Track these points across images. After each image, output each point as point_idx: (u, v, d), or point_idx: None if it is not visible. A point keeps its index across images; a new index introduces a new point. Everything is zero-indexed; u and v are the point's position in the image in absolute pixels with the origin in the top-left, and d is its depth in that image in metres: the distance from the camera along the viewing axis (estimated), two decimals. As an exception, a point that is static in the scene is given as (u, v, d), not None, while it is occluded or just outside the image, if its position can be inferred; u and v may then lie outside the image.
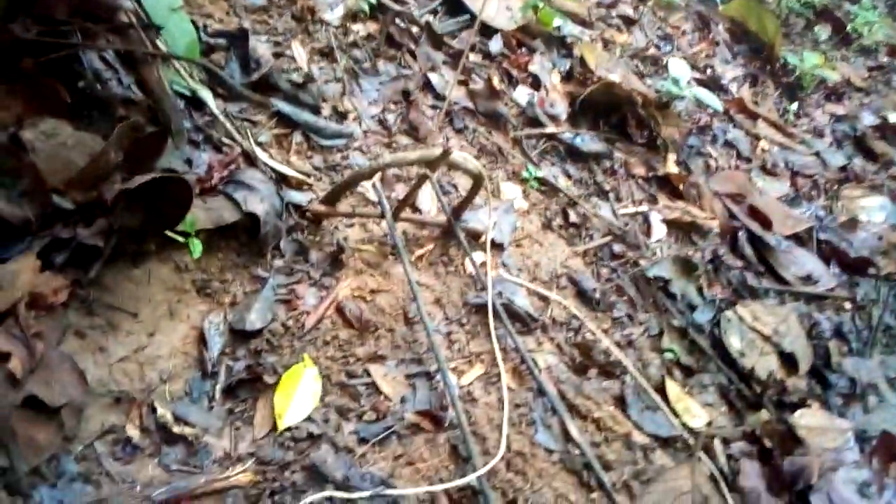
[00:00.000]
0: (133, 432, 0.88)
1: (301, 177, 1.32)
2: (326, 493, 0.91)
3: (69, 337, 0.91)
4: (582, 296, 1.41)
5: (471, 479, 0.98)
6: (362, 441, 1.00)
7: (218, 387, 0.98)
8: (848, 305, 1.89)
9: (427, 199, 1.41)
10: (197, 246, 1.04)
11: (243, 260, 1.16)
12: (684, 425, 1.26)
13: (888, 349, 1.80)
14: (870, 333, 1.81)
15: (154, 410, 0.91)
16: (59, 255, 0.93)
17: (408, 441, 1.02)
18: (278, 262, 1.18)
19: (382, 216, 1.27)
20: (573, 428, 1.13)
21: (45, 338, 0.87)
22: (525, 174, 1.61)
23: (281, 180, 1.29)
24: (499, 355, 1.17)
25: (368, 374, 1.08)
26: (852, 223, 2.26)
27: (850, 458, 1.32)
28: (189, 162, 1.20)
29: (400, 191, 1.42)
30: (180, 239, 1.04)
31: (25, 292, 0.87)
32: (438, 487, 0.97)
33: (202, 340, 1.02)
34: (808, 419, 1.38)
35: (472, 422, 1.08)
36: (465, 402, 1.10)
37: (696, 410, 1.31)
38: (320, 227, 1.27)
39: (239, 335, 1.06)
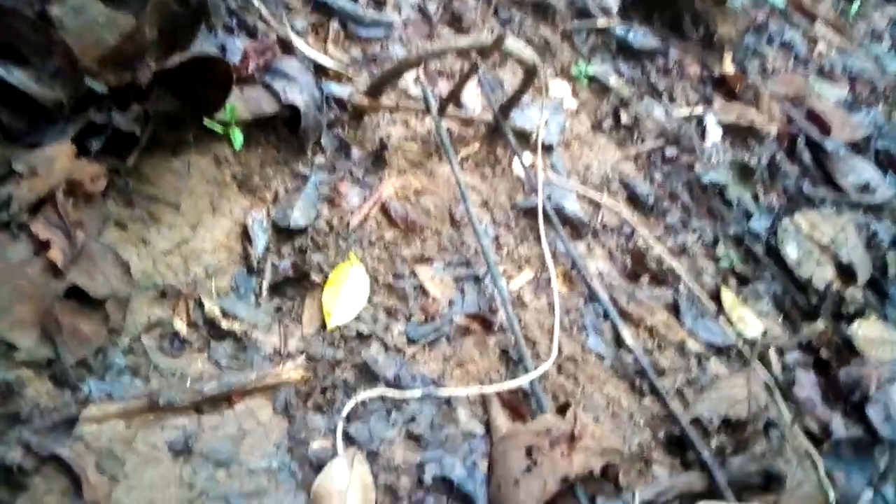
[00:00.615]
0: (180, 326, 0.86)
1: (340, 67, 1.25)
2: (378, 391, 0.89)
3: (110, 228, 0.87)
4: (634, 201, 1.34)
5: (524, 381, 0.95)
6: (411, 342, 0.96)
7: (264, 283, 0.95)
8: (906, 216, 1.80)
9: (472, 96, 1.33)
10: (238, 136, 0.98)
11: (283, 155, 1.11)
12: (739, 334, 1.22)
13: (947, 262, 1.73)
14: (929, 246, 1.72)
15: (201, 305, 0.88)
16: (94, 142, 0.88)
17: (457, 343, 0.99)
18: (319, 159, 1.13)
19: (427, 111, 1.20)
20: (626, 333, 1.09)
21: (85, 227, 0.83)
22: (575, 71, 1.52)
23: (319, 71, 1.22)
24: (549, 259, 1.12)
25: (415, 276, 1.04)
26: (914, 131, 2.13)
27: (909, 370, 1.27)
28: (223, 48, 1.12)
29: (443, 87, 1.34)
30: (219, 129, 0.99)
31: (62, 179, 0.83)
32: (491, 389, 0.94)
33: (246, 236, 0.98)
34: (865, 330, 1.33)
35: (523, 326, 1.04)
36: (515, 307, 1.06)
37: (750, 319, 1.26)
38: (361, 122, 1.20)
39: (283, 232, 1.01)
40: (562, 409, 0.96)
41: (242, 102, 1.05)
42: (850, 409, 1.19)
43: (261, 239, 0.99)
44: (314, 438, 0.84)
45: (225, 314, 0.89)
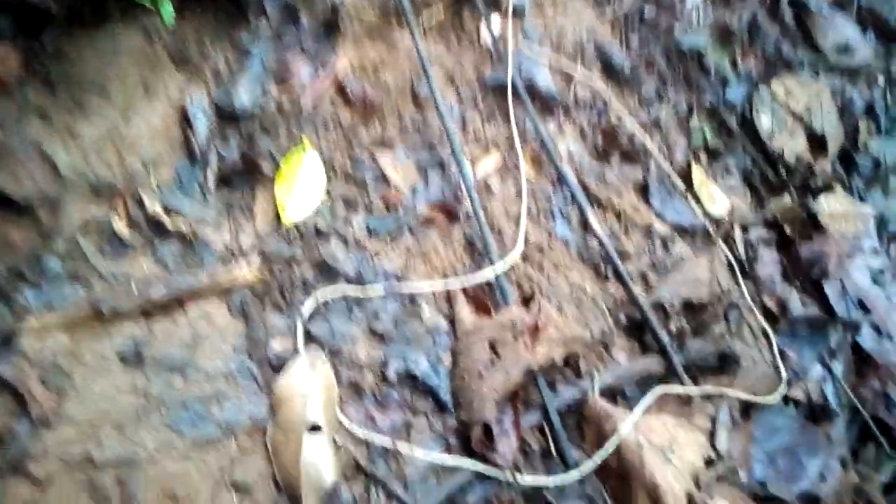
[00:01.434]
0: (120, 226, 0.80)
1: (284, -83, 1.09)
2: (339, 289, 0.86)
3: (31, 119, 0.78)
4: (609, 71, 1.26)
5: (488, 274, 0.93)
6: (373, 235, 0.92)
7: (210, 174, 0.88)
8: (881, 80, 1.75)
9: (436, -50, 1.19)
10: (168, 8, 0.87)
11: (223, 24, 0.99)
12: (706, 213, 1.20)
13: (917, 129, 1.71)
14: (900, 111, 1.69)
15: (141, 202, 0.82)
16: (2, 20, 0.77)
17: (421, 235, 0.95)
18: (264, 28, 1.01)
19: (385, -29, 1.07)
20: (593, 218, 1.06)
21: (1, 121, 0.74)
22: (548, -82, 1.36)
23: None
24: (517, 141, 1.06)
25: (376, 162, 0.97)
26: (900, -15, 2.02)
27: (868, 244, 1.28)
28: None
29: (403, -63, 1.19)
30: (146, 1, 0.87)
31: (-33, 66, 0.73)
32: (455, 284, 0.92)
33: (186, 121, 0.90)
34: (830, 204, 1.32)
35: (489, 214, 1.00)
36: (481, 194, 1.01)
37: (718, 197, 1.24)
38: (311, -17, 1.07)
39: (227, 115, 0.93)
40: (526, 301, 0.95)
41: (172, -36, 0.92)
42: (809, 286, 1.20)
43: (202, 124, 0.90)
44: (273, 339, 0.82)
45: (168, 211, 0.83)
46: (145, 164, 0.84)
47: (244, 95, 0.94)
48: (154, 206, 0.82)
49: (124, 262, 0.79)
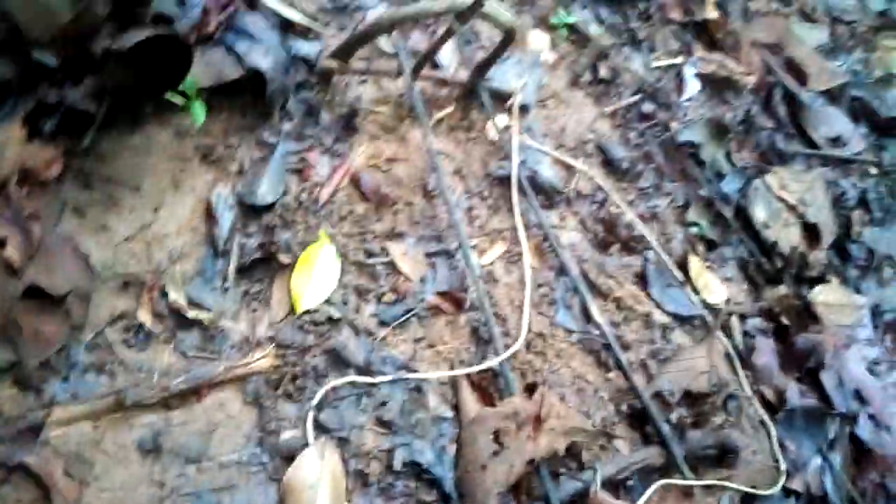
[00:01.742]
0: (145, 318, 0.84)
1: (307, 21, 1.18)
2: (348, 378, 0.89)
3: (67, 215, 0.84)
4: (609, 164, 1.32)
5: (493, 363, 0.96)
6: (382, 324, 0.96)
7: (231, 266, 0.93)
8: (874, 171, 1.81)
9: (447, 54, 1.27)
10: (199, 111, 0.93)
11: (248, 122, 1.06)
12: (704, 302, 1.24)
13: (909, 218, 1.76)
14: (893, 201, 1.75)
15: (165, 294, 0.86)
16: (47, 122, 0.84)
17: (428, 323, 0.99)
18: (286, 126, 1.08)
19: (400, 73, 1.15)
20: (594, 308, 1.10)
21: (41, 218, 0.79)
22: (554, 20, 1.46)
23: (285, 26, 1.15)
24: (522, 234, 1.11)
25: (387, 253, 1.02)
26: (887, 79, 2.12)
27: (864, 335, 1.31)
28: (182, 2, 1.05)
29: (416, 39, 1.28)
30: (180, 101, 0.93)
31: (15, 167, 0.78)
32: (460, 371, 0.95)
33: (210, 215, 0.95)
34: (825, 295, 1.36)
35: (494, 303, 1.04)
36: (486, 283, 1.06)
37: (715, 286, 1.28)
38: (330, 83, 1.15)
39: (249, 209, 0.98)
40: (529, 389, 0.98)
41: (203, 67, 0.99)
42: (806, 376, 1.23)
43: (226, 218, 0.96)
44: (285, 428, 0.84)
45: (191, 302, 0.87)
46: (171, 257, 0.89)
47: (266, 191, 0.99)
48: (177, 298, 0.86)
49: (147, 353, 0.82)
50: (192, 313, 0.86)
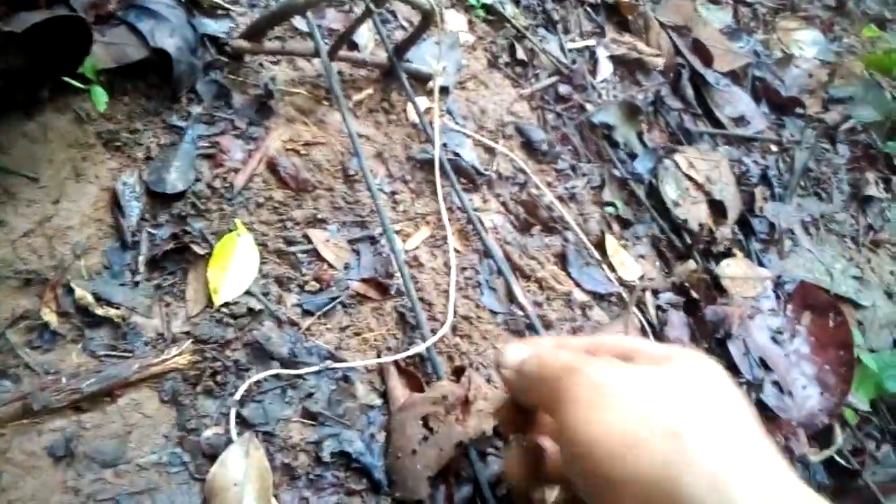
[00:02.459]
0: (50, 317, 0.79)
1: (215, -2, 1.12)
2: (272, 371, 0.87)
3: (-44, 211, 0.77)
4: (528, 146, 1.34)
5: (420, 349, 0.96)
6: (306, 313, 0.94)
7: (141, 258, 0.88)
8: (774, 148, 1.92)
9: (364, 33, 1.24)
10: (101, 96, 0.88)
11: (154, 105, 1.01)
12: (620, 280, 1.28)
13: (806, 192, 1.87)
14: (791, 177, 1.85)
15: (71, 291, 0.81)
16: (-75, 109, 0.76)
17: (354, 311, 0.98)
18: (196, 109, 1.03)
19: (316, 54, 1.11)
20: (517, 289, 1.11)
21: (-76, 214, 0.73)
22: (472, 0, 1.45)
23: (191, 4, 1.09)
24: (445, 217, 1.11)
25: (308, 240, 1.00)
26: (786, 59, 2.24)
27: (767, 305, 1.39)
28: (76, -22, 0.98)
29: (332, 18, 1.25)
30: (80, 85, 0.87)
31: None
32: (387, 359, 0.95)
33: (116, 205, 0.90)
34: (731, 268, 1.43)
35: (419, 288, 1.04)
36: (412, 268, 1.05)
37: (630, 264, 1.33)
38: (242, 63, 1.10)
39: (159, 198, 0.93)
40: (457, 373, 0.99)
41: (104, 48, 0.93)
42: (716, 346, 1.30)
43: (134, 208, 0.91)
44: (206, 426, 0.81)
45: (98, 299, 0.82)
46: (75, 251, 0.84)
47: (176, 178, 0.95)
48: (84, 295, 0.81)
49: (54, 354, 0.78)
50: (100, 310, 0.82)
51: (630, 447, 0.49)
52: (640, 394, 0.52)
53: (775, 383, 1.26)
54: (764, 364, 1.29)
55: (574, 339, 0.65)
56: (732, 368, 1.26)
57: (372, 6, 1.02)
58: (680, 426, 0.49)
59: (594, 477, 0.51)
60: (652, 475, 0.48)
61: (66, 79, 0.86)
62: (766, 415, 1.23)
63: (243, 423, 0.84)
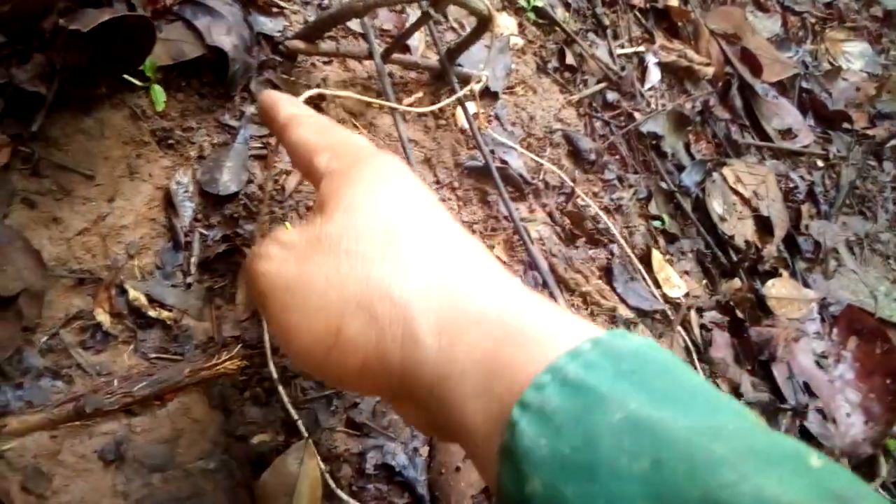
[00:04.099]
0: (103, 318, 0.78)
1: (270, -4, 1.11)
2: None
3: (16, 207, 0.77)
4: (575, 155, 1.31)
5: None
6: (353, 322, 0.93)
7: (193, 260, 0.88)
8: (821, 163, 1.88)
9: (415, 35, 1.22)
10: (160, 94, 0.87)
11: (207, 103, 1.00)
12: (665, 296, 1.26)
13: (851, 210, 1.83)
14: (837, 194, 1.81)
15: (124, 291, 0.81)
16: (-10, 104, 0.76)
17: (399, 321, 0.96)
18: (249, 109, 1.02)
19: (370, 56, 1.10)
20: (562, 303, 1.10)
21: (-15, 210, 0.73)
22: (522, 2, 1.43)
23: (246, 1, 1.08)
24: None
25: (357, 246, 0.99)
26: (834, 71, 2.19)
27: (812, 328, 1.37)
28: (136, -28, 0.97)
29: (384, 19, 1.23)
30: (138, 83, 0.87)
31: (-46, 154, 0.71)
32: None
33: (170, 205, 0.89)
34: (777, 289, 1.40)
35: (465, 299, 1.03)
36: (458, 278, 1.04)
37: (675, 280, 1.30)
38: (295, 63, 1.09)
39: (211, 199, 0.93)
40: (500, 388, 0.98)
41: (161, 45, 0.92)
42: (759, 368, 1.27)
43: (187, 208, 0.90)
44: (253, 433, 0.81)
45: (151, 300, 0.82)
46: (129, 251, 0.83)
47: (228, 179, 0.94)
48: (137, 296, 0.81)
49: (106, 355, 0.77)
50: (153, 312, 0.81)
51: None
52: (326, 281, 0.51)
53: (819, 410, 1.24)
54: (808, 389, 1.26)
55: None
56: (776, 392, 1.24)
57: (431, 11, 1.00)
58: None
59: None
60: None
61: (125, 77, 0.85)
62: (810, 441, 1.20)
63: (289, 431, 0.83)
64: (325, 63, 1.13)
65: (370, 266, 0.50)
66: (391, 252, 0.50)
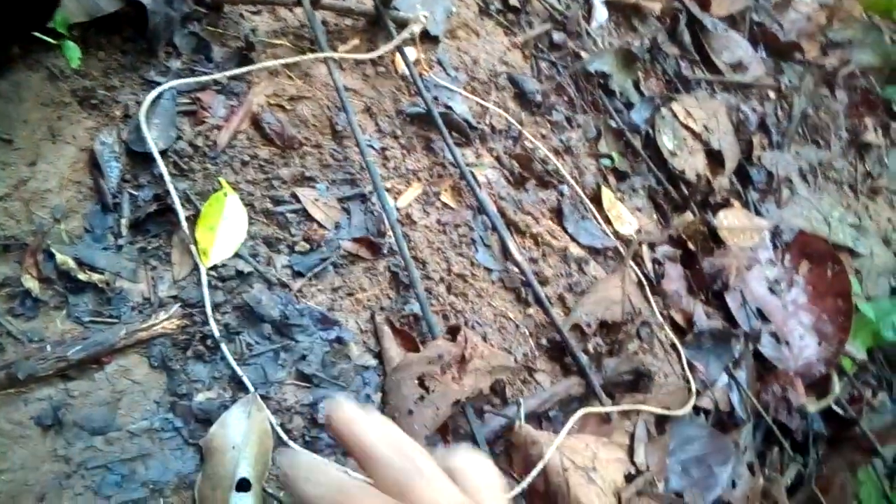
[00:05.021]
0: (31, 284, 0.76)
1: (191, -54, 1.07)
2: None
3: (-73, 175, 0.74)
4: (521, 97, 1.30)
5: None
6: (297, 275, 0.92)
7: (123, 221, 0.85)
8: (772, 94, 1.88)
9: (349, -20, 1.19)
10: (74, 51, 0.83)
11: (130, 60, 0.96)
12: (616, 233, 1.26)
13: (804, 139, 1.84)
14: (789, 124, 1.82)
15: (52, 256, 0.78)
16: None
17: (346, 271, 0.95)
18: (175, 63, 0.99)
19: (298, 3, 1.07)
20: (512, 246, 1.09)
21: None
22: (459, -56, 1.39)
23: (165, -49, 1.03)
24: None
25: (297, 199, 0.97)
26: (785, 2, 2.18)
27: (765, 256, 1.38)
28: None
29: (314, -34, 1.19)
30: (51, 41, 0.83)
31: None
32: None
33: (95, 166, 0.86)
34: (729, 219, 1.41)
35: (412, 246, 1.02)
36: (404, 226, 1.03)
37: (626, 217, 1.31)
38: (221, 14, 1.06)
39: (139, 157, 0.90)
40: (452, 331, 0.97)
41: (75, 1, 0.88)
42: (713, 298, 1.28)
43: (114, 168, 0.87)
44: (198, 391, 0.80)
45: (81, 264, 0.80)
46: (55, 215, 0.81)
47: (157, 136, 0.91)
48: (65, 260, 0.78)
49: (37, 321, 0.75)
50: (83, 275, 0.79)
51: None
52: None
53: (773, 334, 1.26)
54: (761, 315, 1.28)
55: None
56: (729, 320, 1.25)
57: (356, -49, 0.97)
58: None
59: None
60: None
61: (37, 34, 0.81)
62: (764, 365, 1.22)
63: (236, 385, 0.82)
64: (253, 13, 1.09)
65: None
66: None
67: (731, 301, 1.27)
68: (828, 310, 1.31)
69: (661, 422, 1.06)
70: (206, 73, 0.99)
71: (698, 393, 1.11)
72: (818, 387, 1.26)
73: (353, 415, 0.50)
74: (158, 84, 0.95)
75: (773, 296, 1.32)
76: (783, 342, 1.25)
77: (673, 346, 1.16)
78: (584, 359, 1.04)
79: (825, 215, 1.68)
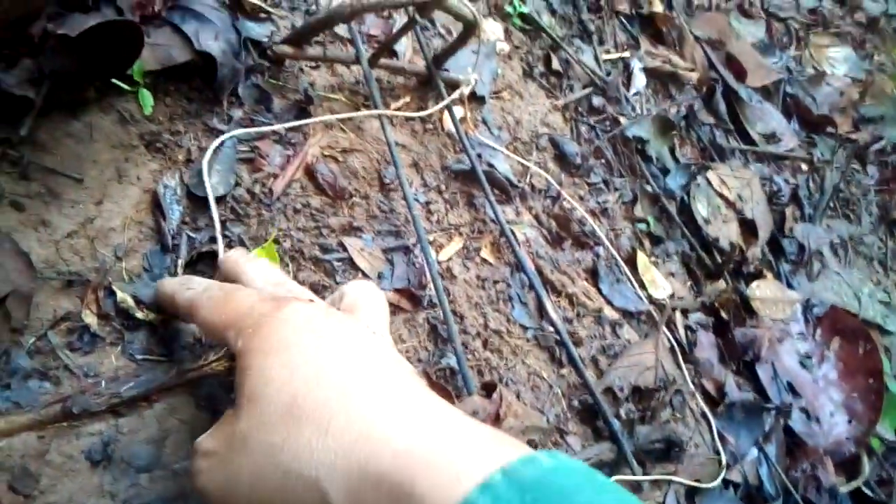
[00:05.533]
0: (90, 319, 0.79)
1: (258, 1, 1.12)
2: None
3: (4, 210, 0.77)
4: (561, 159, 1.33)
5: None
6: (340, 323, 0.94)
7: (180, 262, 0.88)
8: (805, 167, 1.90)
9: (403, 41, 1.24)
10: (148, 99, 0.88)
11: (196, 107, 1.00)
12: (650, 298, 1.27)
13: (835, 213, 1.86)
14: (821, 197, 1.84)
15: (112, 293, 0.81)
16: (-24, 109, 0.76)
17: (387, 322, 0.97)
18: (237, 113, 1.03)
19: (357, 61, 1.11)
20: (548, 304, 1.11)
21: (-27, 213, 0.73)
22: (508, 8, 1.44)
23: (233, 6, 1.09)
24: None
25: (344, 248, 1.00)
26: (818, 77, 2.22)
27: (796, 329, 1.38)
28: (123, -23, 0.98)
29: (371, 24, 1.24)
30: (126, 87, 0.88)
31: (-59, 157, 0.72)
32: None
33: (158, 207, 0.90)
34: (762, 290, 1.42)
35: (451, 300, 1.04)
36: (444, 279, 1.05)
37: (660, 282, 1.32)
38: (282, 68, 1.10)
39: (199, 201, 0.93)
40: (487, 388, 0.99)
41: (149, 50, 0.93)
42: (743, 369, 1.29)
43: (175, 211, 0.91)
44: (241, 433, 0.81)
45: (139, 302, 0.82)
46: (117, 253, 0.84)
47: (217, 182, 0.95)
48: (125, 297, 0.81)
49: (93, 357, 0.78)
50: (140, 314, 0.82)
51: None
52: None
53: (803, 409, 1.25)
54: (792, 389, 1.27)
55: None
56: (760, 392, 1.25)
57: (417, 16, 1.01)
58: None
59: None
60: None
61: (113, 80, 0.86)
62: (794, 440, 1.22)
63: (276, 431, 0.83)
64: (312, 68, 1.14)
65: (278, 454, 0.52)
66: (294, 432, 0.52)
67: (763, 373, 1.27)
68: (858, 388, 1.31)
69: (691, 493, 1.05)
70: (265, 124, 1.04)
71: (728, 465, 1.11)
72: (847, 465, 1.25)
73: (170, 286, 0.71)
74: (221, 132, 0.99)
75: (804, 370, 1.31)
76: (813, 418, 1.24)
77: (704, 415, 1.16)
78: (616, 424, 1.04)
79: (855, 290, 1.68)
